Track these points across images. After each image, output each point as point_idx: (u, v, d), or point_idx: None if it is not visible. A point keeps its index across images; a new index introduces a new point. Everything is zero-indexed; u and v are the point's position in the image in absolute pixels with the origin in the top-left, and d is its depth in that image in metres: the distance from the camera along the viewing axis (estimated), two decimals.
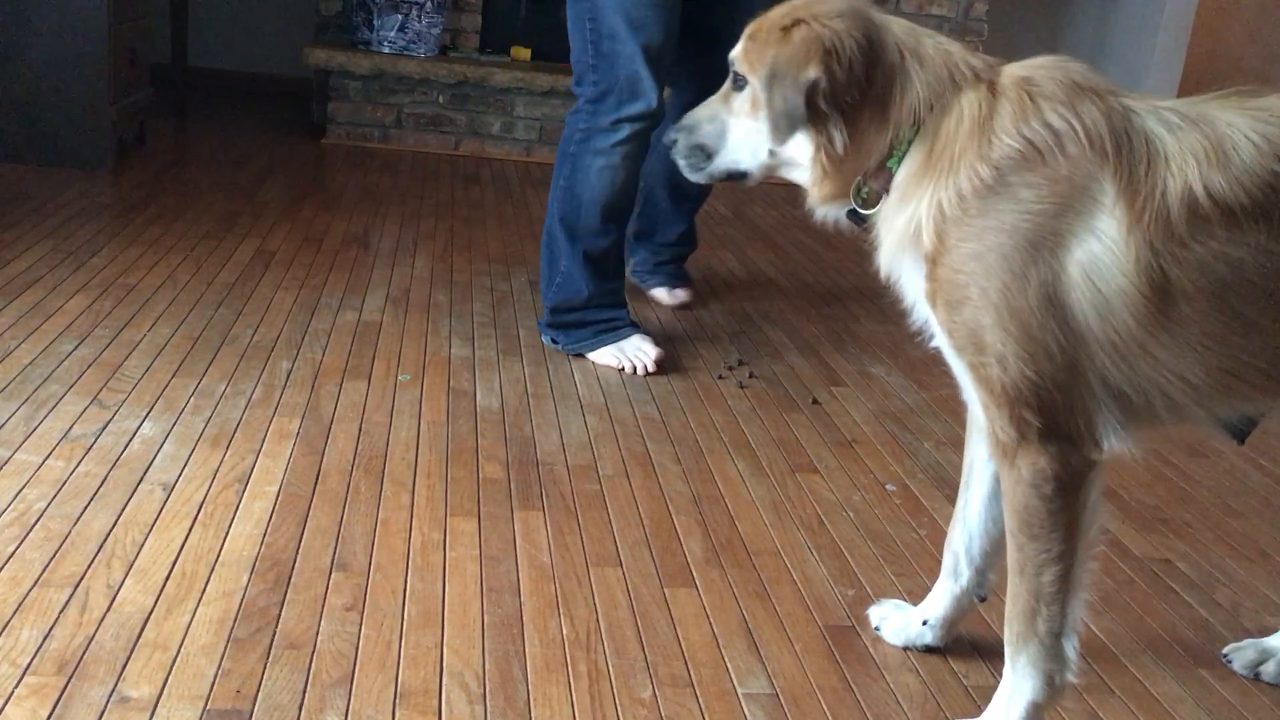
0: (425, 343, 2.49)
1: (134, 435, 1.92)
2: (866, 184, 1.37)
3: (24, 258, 2.72)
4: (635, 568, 1.70)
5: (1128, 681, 1.57)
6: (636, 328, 2.54)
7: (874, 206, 1.37)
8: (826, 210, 1.45)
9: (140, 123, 4.03)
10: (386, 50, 4.60)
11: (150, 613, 1.45)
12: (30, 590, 1.47)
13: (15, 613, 1.42)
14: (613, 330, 2.51)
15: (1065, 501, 1.27)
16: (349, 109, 4.60)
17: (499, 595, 1.58)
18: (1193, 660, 1.64)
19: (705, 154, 1.53)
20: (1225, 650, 1.64)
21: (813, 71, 1.32)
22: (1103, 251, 1.19)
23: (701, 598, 1.64)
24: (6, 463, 1.78)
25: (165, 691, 1.31)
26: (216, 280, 2.74)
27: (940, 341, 1.35)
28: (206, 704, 1.30)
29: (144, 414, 2.00)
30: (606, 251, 2.50)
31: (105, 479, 1.77)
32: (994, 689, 1.50)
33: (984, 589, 1.57)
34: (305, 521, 1.71)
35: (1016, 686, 1.36)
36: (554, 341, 2.55)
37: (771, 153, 1.45)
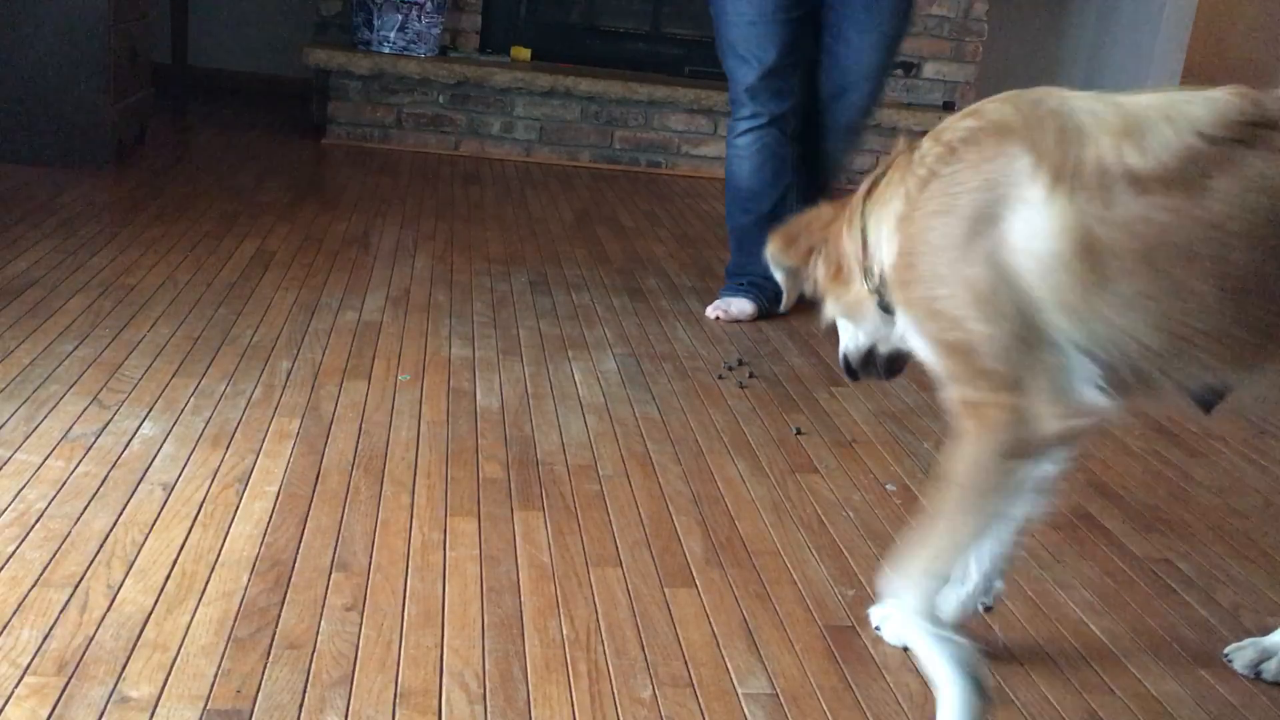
0: (425, 343, 2.49)
1: (134, 435, 1.92)
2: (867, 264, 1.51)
3: (24, 258, 2.72)
4: (635, 568, 1.70)
5: (1128, 681, 1.57)
6: (746, 290, 2.95)
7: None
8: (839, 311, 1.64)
9: (140, 123, 4.03)
10: (386, 50, 4.61)
11: (150, 613, 1.45)
12: (30, 590, 1.47)
13: (15, 613, 1.42)
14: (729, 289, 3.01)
15: (1016, 465, 1.30)
16: (349, 109, 4.60)
17: (499, 595, 1.58)
18: (1193, 660, 1.64)
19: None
20: (1226, 650, 1.65)
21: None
22: (1033, 216, 1.26)
23: (701, 598, 1.64)
24: (6, 463, 1.78)
25: (165, 691, 1.31)
26: (216, 280, 2.74)
27: (905, 328, 1.43)
28: (206, 704, 1.30)
29: (144, 414, 2.00)
30: (747, 228, 2.95)
31: (105, 479, 1.77)
32: (994, 689, 1.50)
33: (990, 597, 1.57)
34: (305, 521, 1.71)
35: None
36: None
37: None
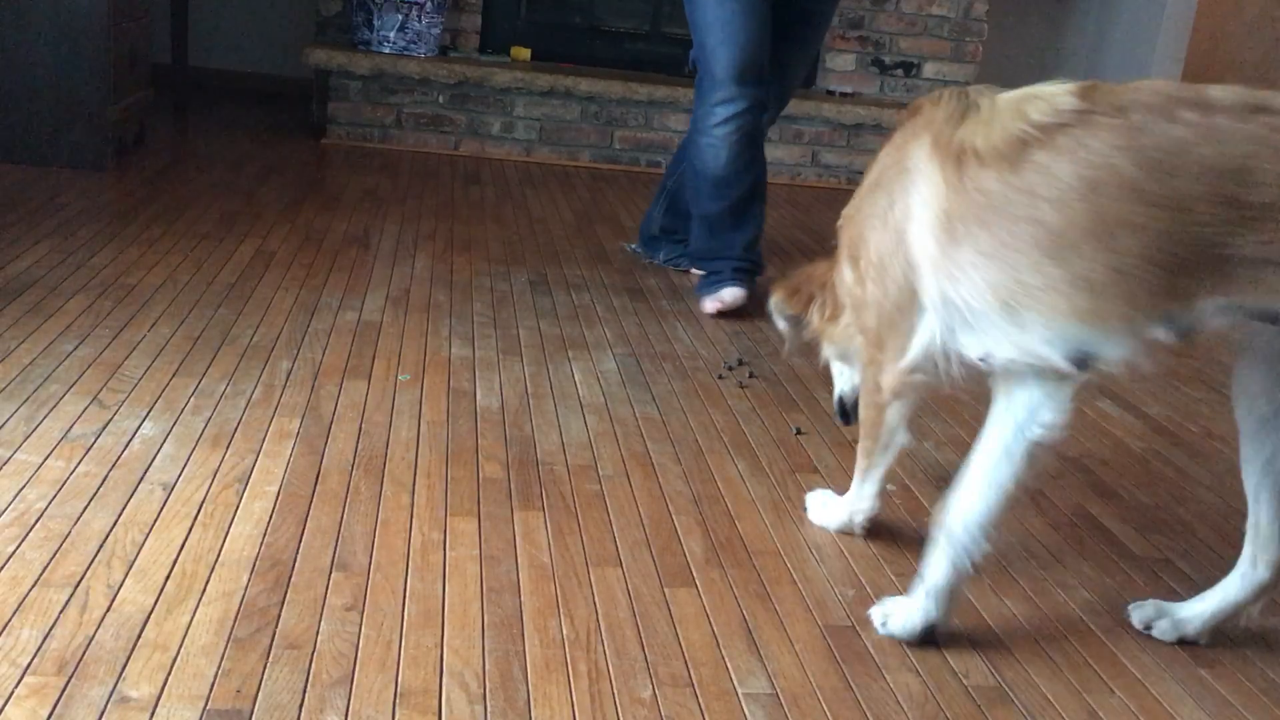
0: (425, 343, 2.49)
1: (134, 435, 1.92)
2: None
3: (24, 258, 2.72)
4: (635, 568, 1.70)
5: (1128, 681, 1.57)
6: (730, 278, 2.95)
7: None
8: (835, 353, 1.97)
9: (140, 123, 4.03)
10: (386, 50, 4.60)
11: (150, 613, 1.45)
12: (30, 590, 1.47)
13: (15, 613, 1.42)
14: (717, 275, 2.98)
15: (881, 404, 1.70)
16: (349, 109, 4.60)
17: (499, 595, 1.58)
18: (1192, 660, 1.64)
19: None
20: (1128, 605, 1.72)
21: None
22: (924, 186, 1.53)
23: (701, 598, 1.64)
24: (6, 463, 1.78)
25: (165, 691, 1.31)
26: (216, 280, 2.74)
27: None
28: (206, 704, 1.30)
29: (144, 414, 2.00)
30: (716, 215, 2.98)
31: (105, 479, 1.77)
32: (994, 689, 1.51)
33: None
34: (305, 521, 1.71)
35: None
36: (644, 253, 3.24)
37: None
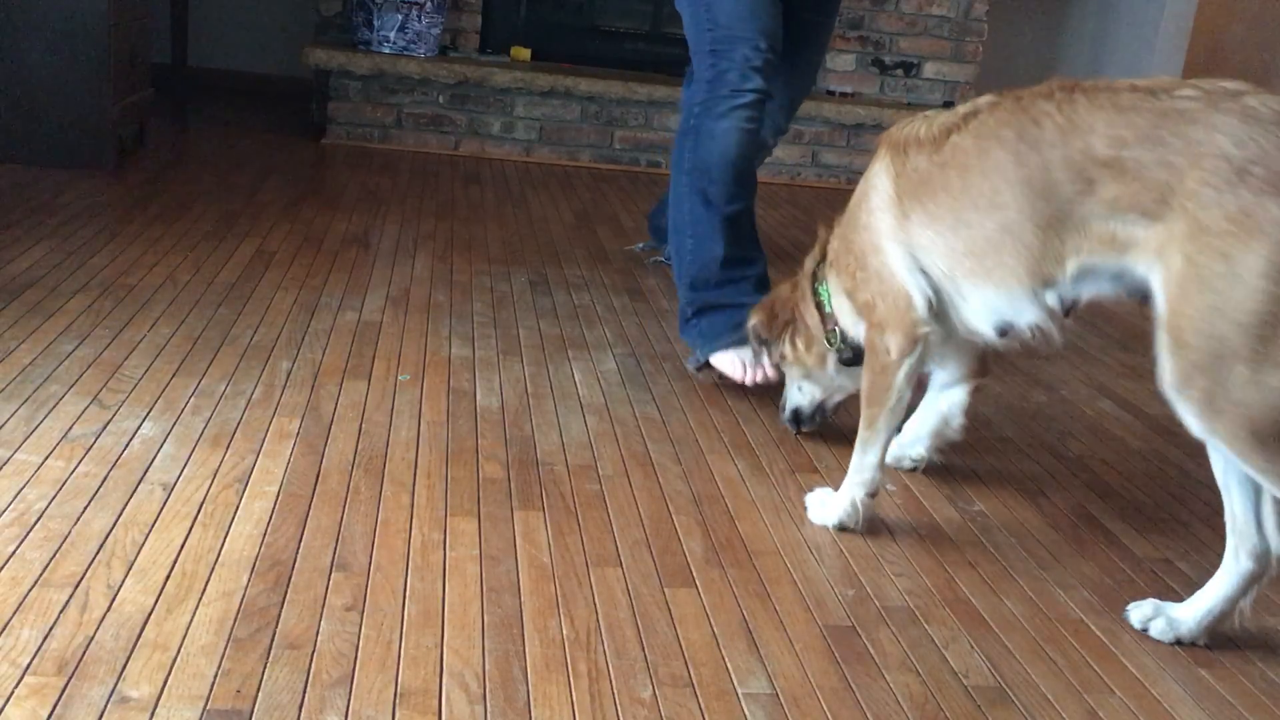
0: (425, 343, 2.49)
1: (134, 435, 1.92)
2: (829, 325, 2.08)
3: (24, 258, 2.72)
4: (635, 568, 1.70)
5: (1128, 681, 1.57)
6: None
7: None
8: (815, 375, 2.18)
9: (140, 123, 4.03)
10: (386, 50, 4.61)
11: (150, 613, 1.45)
12: (30, 590, 1.47)
13: (15, 613, 1.42)
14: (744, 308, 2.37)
15: (887, 370, 1.84)
16: (349, 109, 4.60)
17: (499, 595, 1.58)
18: (1193, 660, 1.64)
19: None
20: (1128, 607, 1.73)
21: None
22: (881, 176, 1.82)
23: (701, 598, 1.64)
24: (6, 463, 1.78)
25: (165, 691, 1.31)
26: (216, 280, 2.74)
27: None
28: (206, 704, 1.30)
29: (144, 414, 2.00)
30: (740, 216, 2.52)
31: (105, 479, 1.77)
32: (994, 689, 1.51)
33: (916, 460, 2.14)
34: (305, 521, 1.71)
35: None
36: (694, 343, 2.47)
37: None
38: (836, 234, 1.98)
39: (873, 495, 1.88)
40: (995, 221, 1.66)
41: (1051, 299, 1.67)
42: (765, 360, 2.27)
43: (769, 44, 2.51)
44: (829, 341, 2.05)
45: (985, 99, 1.74)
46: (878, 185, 1.83)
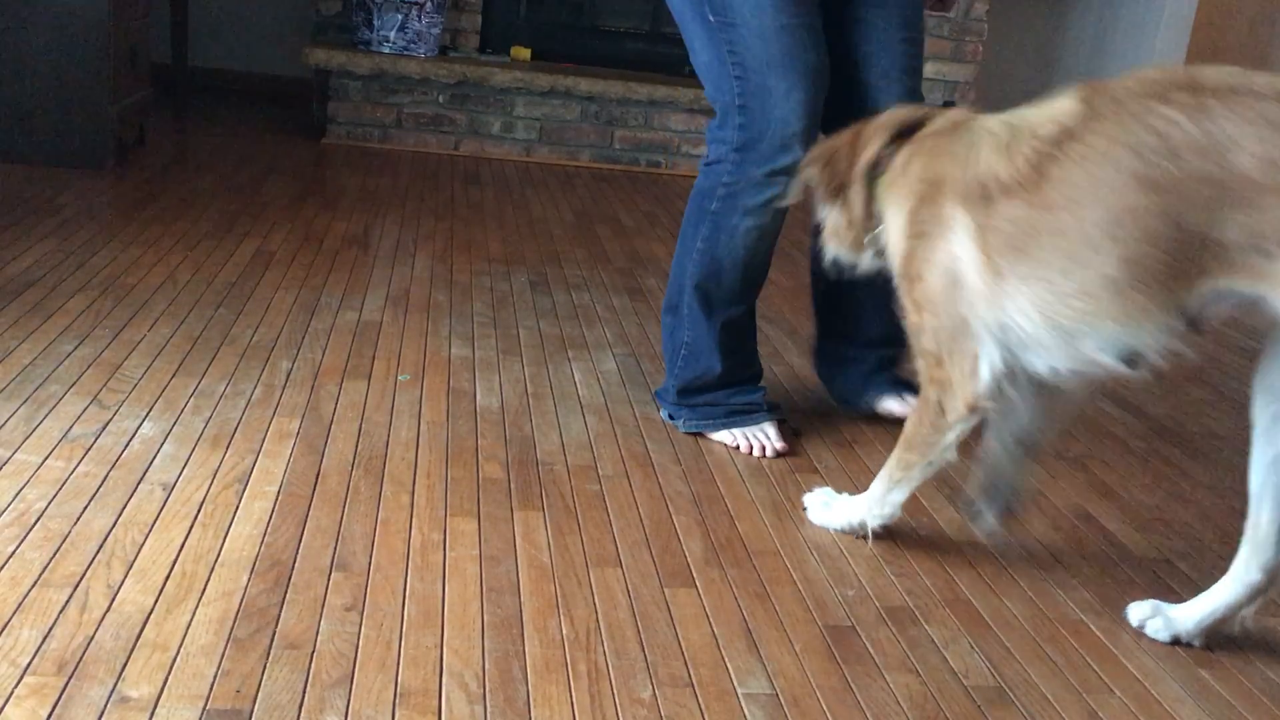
0: (425, 343, 2.49)
1: (134, 435, 1.92)
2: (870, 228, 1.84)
3: (24, 258, 2.72)
4: (635, 568, 1.70)
5: (1128, 681, 1.57)
6: (771, 412, 2.21)
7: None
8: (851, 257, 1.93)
9: (140, 123, 4.03)
10: (386, 50, 4.60)
11: (150, 613, 1.45)
12: (30, 590, 1.47)
13: (15, 613, 1.42)
14: (746, 414, 2.18)
15: (940, 426, 1.71)
16: (349, 109, 4.60)
17: (499, 595, 1.58)
18: (1193, 660, 1.64)
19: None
20: (1128, 607, 1.73)
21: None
22: (959, 232, 1.61)
23: (701, 598, 1.64)
24: (6, 463, 1.78)
25: (165, 691, 1.31)
26: (216, 280, 2.74)
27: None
28: (206, 704, 1.30)
29: (144, 414, 2.00)
30: (742, 319, 2.20)
31: (105, 479, 1.77)
32: (994, 689, 1.51)
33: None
34: (305, 521, 1.71)
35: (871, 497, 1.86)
36: (671, 418, 2.22)
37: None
38: (907, 255, 1.71)
39: (887, 525, 1.85)
40: (1117, 255, 1.45)
41: (1180, 323, 1.49)
42: (771, 433, 2.15)
43: (813, 93, 2.03)
44: (866, 243, 1.85)
45: (1066, 109, 1.51)
46: (961, 241, 1.60)
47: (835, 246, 1.93)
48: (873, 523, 1.84)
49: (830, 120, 2.10)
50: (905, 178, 1.73)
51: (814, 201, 1.94)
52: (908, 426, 1.78)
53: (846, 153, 1.84)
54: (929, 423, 1.73)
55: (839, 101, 2.12)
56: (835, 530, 1.88)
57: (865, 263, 1.91)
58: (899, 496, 1.82)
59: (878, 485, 1.83)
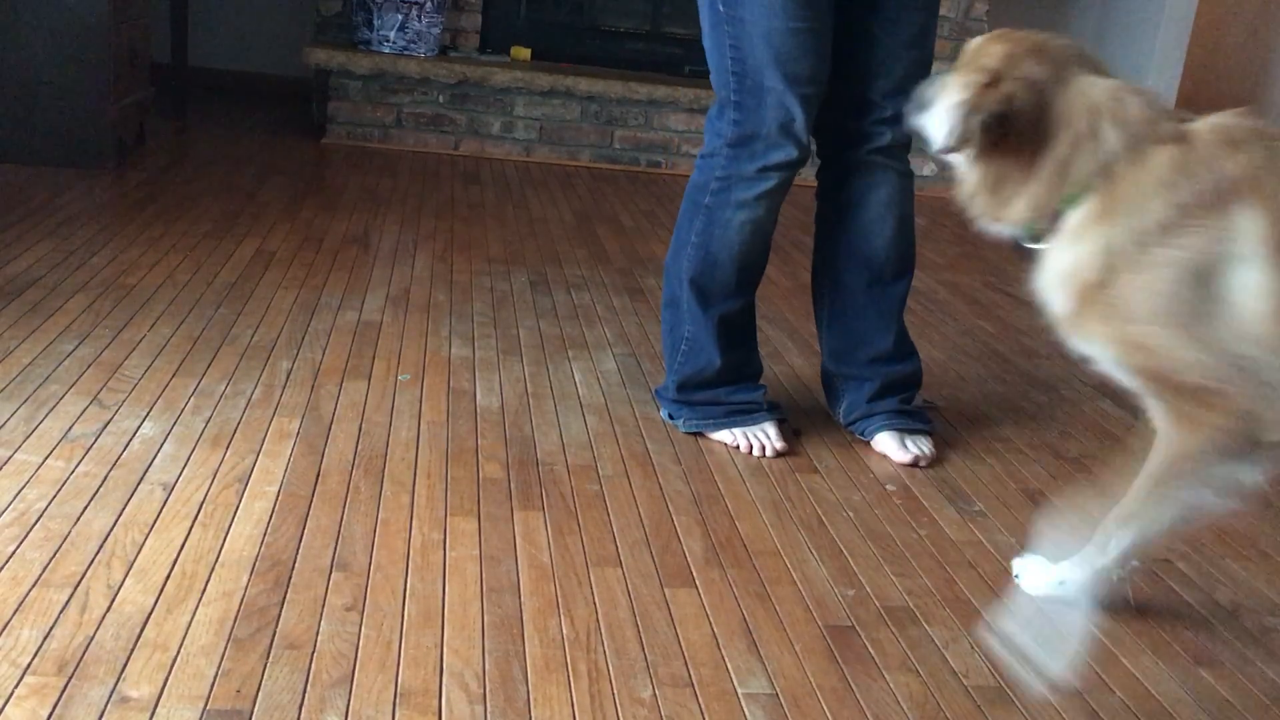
0: (425, 343, 2.49)
1: (134, 435, 1.92)
2: (1038, 223, 1.59)
3: (24, 258, 2.72)
4: (635, 568, 1.70)
5: (1128, 681, 1.57)
6: (771, 411, 2.20)
7: (1040, 242, 1.60)
8: (985, 225, 1.67)
9: (140, 123, 4.03)
10: (386, 50, 4.61)
11: (150, 613, 1.45)
12: (30, 590, 1.47)
13: (15, 613, 1.42)
14: (747, 414, 2.17)
15: (1218, 463, 1.52)
16: (349, 109, 4.60)
17: (499, 595, 1.58)
18: (1193, 660, 1.64)
19: (918, 103, 1.70)
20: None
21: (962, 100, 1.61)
22: (1260, 275, 1.42)
23: (701, 598, 1.64)
24: (6, 463, 1.78)
25: (165, 691, 1.31)
26: (216, 280, 2.74)
27: (1097, 349, 1.62)
28: (206, 704, 1.30)
29: (144, 414, 2.00)
30: (740, 314, 2.19)
31: (105, 479, 1.77)
32: (994, 689, 1.51)
33: (1125, 569, 1.69)
34: (305, 521, 1.71)
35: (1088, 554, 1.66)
36: (671, 417, 2.22)
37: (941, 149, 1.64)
38: (1126, 258, 1.50)
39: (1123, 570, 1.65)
40: None
41: None
42: (771, 432, 2.12)
43: (810, 91, 2.02)
44: (1024, 228, 1.61)
45: None
46: (1259, 282, 1.43)
47: (963, 176, 1.66)
48: (1116, 570, 1.66)
49: (828, 127, 2.14)
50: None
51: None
52: (1155, 454, 1.59)
53: (985, 47, 1.73)
54: (1190, 450, 1.53)
55: (840, 108, 2.13)
56: (1053, 596, 1.71)
57: (979, 201, 1.66)
58: (1132, 534, 1.61)
59: (1110, 523, 1.63)
